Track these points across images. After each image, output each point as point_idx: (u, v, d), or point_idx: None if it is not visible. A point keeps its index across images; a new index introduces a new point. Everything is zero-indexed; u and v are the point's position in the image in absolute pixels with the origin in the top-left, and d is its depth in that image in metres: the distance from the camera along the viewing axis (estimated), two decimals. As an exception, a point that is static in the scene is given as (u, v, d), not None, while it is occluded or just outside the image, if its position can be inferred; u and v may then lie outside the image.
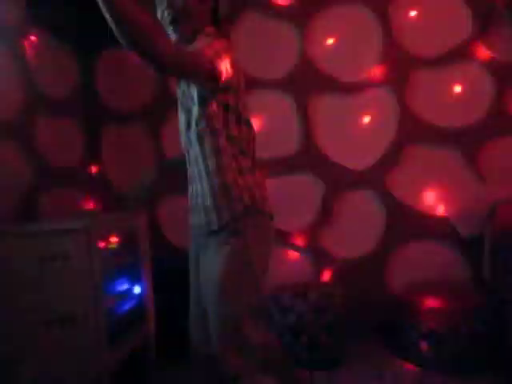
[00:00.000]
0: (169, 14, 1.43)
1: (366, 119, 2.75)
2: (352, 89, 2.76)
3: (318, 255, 2.81)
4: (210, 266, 1.42)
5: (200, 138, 1.42)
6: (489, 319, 2.27)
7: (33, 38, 2.56)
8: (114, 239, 2.33)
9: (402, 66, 2.69)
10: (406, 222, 2.70)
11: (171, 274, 2.62)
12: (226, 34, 1.55)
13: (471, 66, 2.62)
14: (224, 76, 1.34)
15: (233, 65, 1.38)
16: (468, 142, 2.62)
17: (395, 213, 2.72)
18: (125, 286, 2.42)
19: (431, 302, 2.33)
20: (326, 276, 2.79)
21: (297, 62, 2.81)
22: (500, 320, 2.24)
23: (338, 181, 2.78)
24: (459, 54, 2.63)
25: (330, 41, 2.78)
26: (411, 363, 2.31)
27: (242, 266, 1.39)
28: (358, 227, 2.78)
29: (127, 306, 2.39)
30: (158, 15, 1.47)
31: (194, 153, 1.46)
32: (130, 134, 3.05)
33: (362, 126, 2.76)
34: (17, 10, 2.45)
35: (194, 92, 1.39)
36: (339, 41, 2.77)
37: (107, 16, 1.07)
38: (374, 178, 2.74)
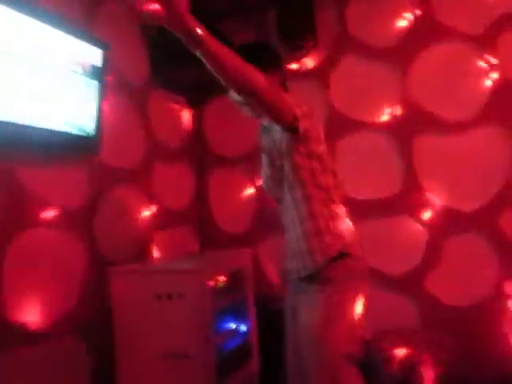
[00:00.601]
0: None
1: (475, 158, 2.64)
2: (459, 128, 2.67)
3: (423, 301, 2.70)
4: (305, 314, 1.46)
5: (290, 188, 1.51)
6: None
7: (154, 94, 2.88)
8: (221, 278, 2.46)
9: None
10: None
11: (273, 314, 2.69)
12: None
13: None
14: (302, 125, 1.42)
15: (311, 117, 1.47)
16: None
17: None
18: (232, 324, 2.53)
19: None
20: (433, 324, 2.65)
21: (399, 103, 2.80)
22: None
23: (445, 223, 2.67)
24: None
25: (434, 80, 2.74)
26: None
27: (338, 314, 1.42)
28: (469, 272, 2.63)
29: (234, 344, 2.48)
30: None
31: (286, 203, 1.54)
32: (234, 177, 3.23)
33: (470, 165, 2.65)
34: (141, 70, 2.78)
35: (282, 143, 1.49)
36: (444, 79, 2.72)
37: (212, 70, 1.23)
38: (485, 219, 2.59)
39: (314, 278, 1.46)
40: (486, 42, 2.63)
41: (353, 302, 1.45)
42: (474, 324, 2.57)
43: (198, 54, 1.20)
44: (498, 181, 2.59)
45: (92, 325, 2.18)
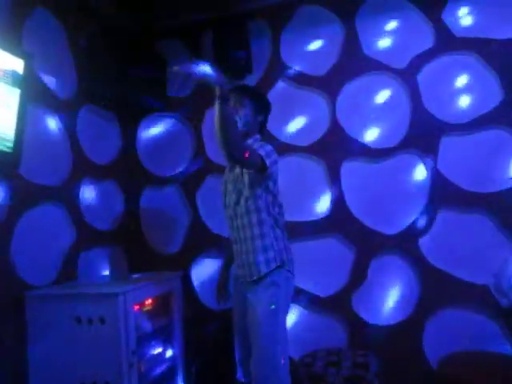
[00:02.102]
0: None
1: (397, 183, 2.77)
2: (383, 154, 2.80)
3: (350, 321, 2.77)
4: (252, 309, 1.88)
5: (248, 212, 1.94)
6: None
7: (82, 108, 2.78)
8: (148, 302, 2.38)
9: (432, 132, 2.73)
10: (441, 288, 2.63)
11: (205, 336, 2.65)
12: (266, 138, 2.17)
13: (502, 131, 2.64)
14: (270, 171, 1.89)
15: (276, 163, 1.95)
16: (503, 207, 2.59)
17: (430, 278, 2.66)
18: (158, 350, 2.44)
19: (474, 378, 2.20)
20: (360, 344, 2.72)
21: (328, 128, 2.90)
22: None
23: (370, 245, 2.77)
24: (489, 121, 2.66)
25: (360, 108, 2.87)
26: None
27: (275, 312, 1.86)
28: (392, 293, 2.74)
29: (160, 370, 2.40)
30: None
31: (240, 222, 1.96)
32: (167, 197, 3.18)
33: (392, 189, 2.78)
34: (69, 83, 2.68)
35: (246, 179, 1.94)
36: (369, 108, 2.86)
37: (218, 126, 1.67)
38: (407, 242, 2.72)
39: (259, 281, 1.90)
40: (408, 75, 2.80)
41: (284, 306, 1.94)
42: (398, 341, 2.67)
43: (217, 106, 1.68)
44: (418, 205, 2.73)
45: (5, 352, 2.03)
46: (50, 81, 2.51)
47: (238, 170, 1.99)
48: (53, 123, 2.53)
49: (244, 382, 2.05)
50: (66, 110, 2.62)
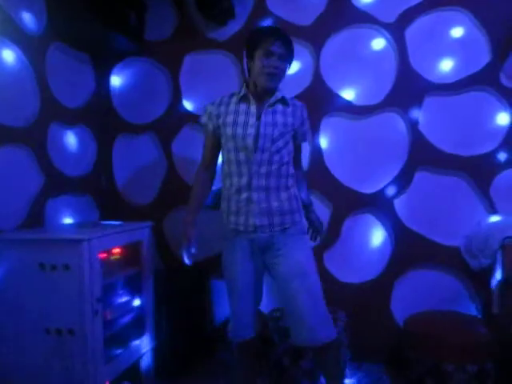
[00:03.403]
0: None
1: (377, 143, 2.72)
2: (364, 111, 2.73)
3: (321, 278, 2.76)
4: (291, 255, 1.89)
5: (287, 162, 1.94)
6: (497, 356, 2.20)
7: (52, 47, 2.61)
8: (116, 250, 2.33)
9: (416, 90, 2.66)
10: (413, 249, 2.64)
11: (174, 286, 2.62)
12: None
13: (486, 93, 2.58)
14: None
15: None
16: (481, 171, 2.57)
17: (402, 238, 2.67)
18: (126, 298, 2.41)
19: (439, 336, 2.25)
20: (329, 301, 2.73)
21: (311, 81, 2.80)
22: (508, 358, 2.17)
23: (347, 203, 2.74)
24: (474, 82, 2.59)
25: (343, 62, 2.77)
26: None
27: (312, 254, 1.97)
28: (365, 252, 2.74)
29: (127, 318, 2.37)
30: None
31: (275, 170, 1.89)
32: (140, 146, 3.07)
33: (373, 148, 2.73)
34: (38, 21, 2.50)
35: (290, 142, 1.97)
36: (354, 62, 2.76)
37: None
38: (383, 201, 2.70)
39: (293, 228, 1.93)
40: (396, 30, 2.69)
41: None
42: (367, 299, 2.69)
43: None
44: (397, 165, 2.69)
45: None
46: (16, 14, 2.33)
47: (290, 118, 1.94)
48: (18, 59, 2.36)
49: (253, 337, 2.01)
50: (33, 46, 2.45)
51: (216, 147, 2.04)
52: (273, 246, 1.90)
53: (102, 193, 3.03)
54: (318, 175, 2.76)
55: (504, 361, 2.21)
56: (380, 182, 2.71)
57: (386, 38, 2.72)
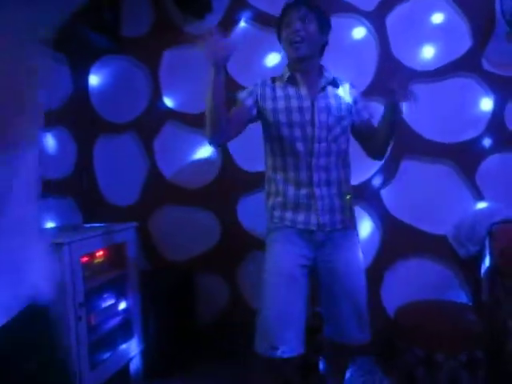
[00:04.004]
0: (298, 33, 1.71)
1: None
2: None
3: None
4: (352, 257, 1.79)
5: (345, 152, 1.83)
6: (488, 344, 2.19)
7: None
8: (100, 253, 2.28)
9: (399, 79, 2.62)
10: (401, 239, 2.62)
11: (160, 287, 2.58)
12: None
13: (469, 79, 2.56)
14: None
15: None
16: (466, 158, 2.55)
17: (390, 229, 2.64)
18: (111, 302, 2.36)
19: (429, 326, 2.23)
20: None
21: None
22: (498, 346, 2.16)
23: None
24: (457, 68, 2.57)
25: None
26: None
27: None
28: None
29: (113, 322, 2.33)
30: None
31: (335, 161, 1.76)
32: (122, 145, 3.01)
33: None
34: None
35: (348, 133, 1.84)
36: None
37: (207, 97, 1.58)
38: (369, 192, 2.67)
39: (353, 226, 1.83)
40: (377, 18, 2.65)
41: None
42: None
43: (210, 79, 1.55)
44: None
45: None
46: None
47: (343, 101, 1.77)
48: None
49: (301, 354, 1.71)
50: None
51: (243, 124, 1.77)
52: (331, 242, 1.75)
53: (84, 194, 2.97)
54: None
55: (494, 348, 2.20)
56: (366, 172, 2.68)
57: (367, 27, 2.68)
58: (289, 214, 1.74)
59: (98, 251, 2.25)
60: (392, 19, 2.65)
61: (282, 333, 1.61)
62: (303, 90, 1.75)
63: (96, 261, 2.24)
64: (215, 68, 1.53)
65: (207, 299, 2.86)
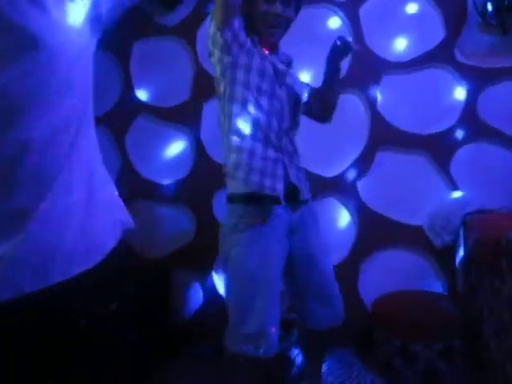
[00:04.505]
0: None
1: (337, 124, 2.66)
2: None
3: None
4: (317, 229, 1.73)
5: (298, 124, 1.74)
6: (463, 333, 2.20)
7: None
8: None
9: (373, 69, 2.62)
10: (377, 230, 2.62)
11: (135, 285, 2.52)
12: None
13: (442, 70, 2.57)
14: None
15: None
16: (440, 148, 2.56)
17: (366, 220, 2.64)
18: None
19: (405, 316, 2.23)
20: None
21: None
22: (474, 334, 2.18)
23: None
24: (430, 59, 2.57)
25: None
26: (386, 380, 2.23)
27: None
28: (330, 236, 2.70)
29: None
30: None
31: (295, 133, 1.71)
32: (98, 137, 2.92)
33: (332, 130, 2.68)
34: None
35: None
36: (307, 43, 2.69)
37: None
38: (345, 184, 2.66)
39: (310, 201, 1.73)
40: (350, 8, 2.63)
41: None
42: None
43: None
44: (357, 146, 2.65)
45: None
46: None
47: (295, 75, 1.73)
48: None
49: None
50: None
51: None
52: (302, 220, 1.65)
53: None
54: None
55: (470, 336, 2.22)
56: (341, 164, 2.67)
57: (341, 18, 2.66)
58: (268, 181, 1.59)
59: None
60: (365, 10, 2.64)
61: (268, 330, 1.48)
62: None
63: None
64: None
65: (183, 297, 2.81)
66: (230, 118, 1.56)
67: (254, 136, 1.54)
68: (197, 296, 2.82)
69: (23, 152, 0.94)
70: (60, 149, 1.01)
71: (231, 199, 1.60)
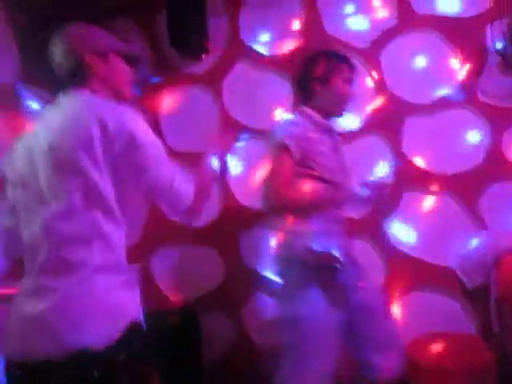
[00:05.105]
0: None
1: (362, 166, 2.70)
2: (347, 135, 2.72)
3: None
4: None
5: None
6: (500, 375, 2.14)
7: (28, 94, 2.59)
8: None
9: (396, 112, 2.67)
10: (406, 272, 2.60)
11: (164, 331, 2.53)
12: None
13: (465, 110, 2.60)
14: None
15: None
16: (467, 187, 2.56)
17: (395, 262, 2.62)
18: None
19: (442, 365, 2.17)
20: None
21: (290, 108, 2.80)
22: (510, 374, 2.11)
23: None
24: (452, 100, 2.61)
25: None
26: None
27: None
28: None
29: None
30: None
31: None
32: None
33: (357, 172, 2.71)
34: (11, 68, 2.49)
35: None
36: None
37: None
38: (372, 225, 2.66)
39: None
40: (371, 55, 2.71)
41: None
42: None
43: None
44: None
45: None
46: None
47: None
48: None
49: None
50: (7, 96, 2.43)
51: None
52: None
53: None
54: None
55: (506, 379, 2.15)
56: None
57: (362, 64, 2.73)
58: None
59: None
60: (386, 56, 2.71)
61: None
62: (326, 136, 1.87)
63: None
64: None
65: (213, 340, 2.80)
66: None
67: None
68: (226, 339, 2.81)
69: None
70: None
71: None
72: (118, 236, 1.25)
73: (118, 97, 1.38)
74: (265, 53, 2.85)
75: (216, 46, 2.89)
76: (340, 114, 1.91)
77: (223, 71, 2.88)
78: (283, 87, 2.80)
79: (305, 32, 2.80)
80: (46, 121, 1.29)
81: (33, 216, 1.20)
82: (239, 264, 2.78)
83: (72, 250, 1.15)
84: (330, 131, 1.87)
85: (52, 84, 2.56)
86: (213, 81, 2.89)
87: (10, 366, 1.14)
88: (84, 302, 1.12)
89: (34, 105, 2.64)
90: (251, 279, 2.74)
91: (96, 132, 1.15)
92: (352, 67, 1.90)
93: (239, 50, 2.88)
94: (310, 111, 1.83)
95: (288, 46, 2.83)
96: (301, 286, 1.62)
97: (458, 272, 2.51)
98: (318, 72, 1.82)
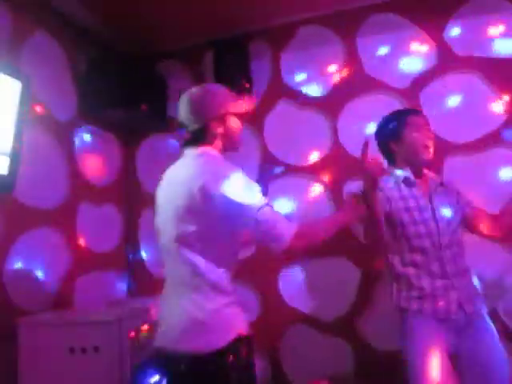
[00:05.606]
0: None
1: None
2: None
3: (356, 345, 2.67)
4: (494, 341, 1.80)
5: (461, 241, 1.96)
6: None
7: (81, 130, 2.76)
8: (144, 327, 2.30)
9: (437, 152, 2.67)
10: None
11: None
12: None
13: (506, 150, 2.58)
14: None
15: None
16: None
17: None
18: (157, 377, 2.35)
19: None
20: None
21: (330, 147, 2.86)
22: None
23: (374, 267, 2.69)
24: (492, 139, 2.60)
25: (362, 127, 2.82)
26: None
27: None
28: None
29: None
30: None
31: (457, 251, 1.88)
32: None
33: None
34: (68, 105, 2.67)
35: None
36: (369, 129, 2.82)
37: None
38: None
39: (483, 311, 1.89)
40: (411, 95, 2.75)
41: None
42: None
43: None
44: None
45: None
46: (49, 103, 2.50)
47: (454, 198, 1.99)
48: (51, 145, 2.50)
49: None
50: (64, 132, 2.60)
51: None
52: (471, 328, 1.81)
53: (130, 267, 3.06)
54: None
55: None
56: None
57: (401, 103, 2.77)
58: (427, 305, 1.80)
59: (144, 325, 2.27)
60: (425, 95, 2.74)
61: None
62: (419, 189, 1.93)
63: (142, 334, 2.27)
64: (374, 183, 1.75)
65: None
66: None
67: None
68: (263, 375, 2.80)
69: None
70: None
71: None
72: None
73: (233, 146, 1.62)
74: (306, 93, 2.94)
75: (259, 85, 3.00)
76: (427, 159, 1.97)
77: (266, 111, 2.99)
78: (322, 126, 2.88)
79: (345, 73, 2.88)
80: (170, 172, 1.64)
81: None
82: (275, 299, 2.79)
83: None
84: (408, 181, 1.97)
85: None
86: (255, 119, 2.98)
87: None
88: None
89: (87, 137, 2.81)
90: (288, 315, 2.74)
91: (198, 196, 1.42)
92: (417, 113, 2.03)
93: (280, 91, 2.98)
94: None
95: (327, 86, 2.91)
96: None
97: (502, 314, 2.43)
98: (388, 133, 2.03)
